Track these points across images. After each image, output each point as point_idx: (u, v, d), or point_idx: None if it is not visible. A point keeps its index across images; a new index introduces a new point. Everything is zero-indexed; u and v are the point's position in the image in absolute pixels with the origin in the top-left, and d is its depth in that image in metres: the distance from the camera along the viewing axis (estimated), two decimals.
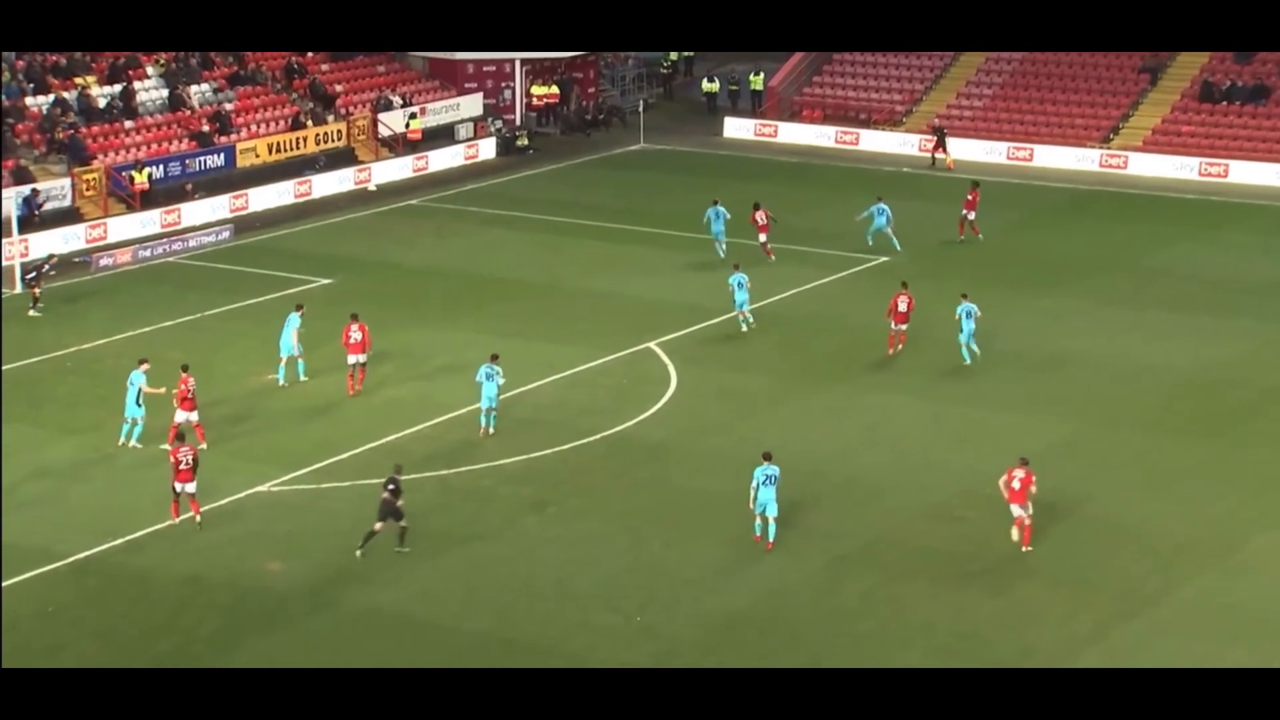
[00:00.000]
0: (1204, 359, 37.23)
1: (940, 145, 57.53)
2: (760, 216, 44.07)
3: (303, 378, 34.69)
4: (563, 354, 36.80)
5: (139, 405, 30.86)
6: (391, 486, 26.99)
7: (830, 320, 39.97)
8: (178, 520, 27.98)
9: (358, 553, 26.63)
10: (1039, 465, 30.87)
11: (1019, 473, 27.30)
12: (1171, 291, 42.73)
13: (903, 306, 36.83)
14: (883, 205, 45.41)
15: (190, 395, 30.70)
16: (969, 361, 36.15)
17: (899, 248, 44.93)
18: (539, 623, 24.84)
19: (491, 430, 32.00)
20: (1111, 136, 59.10)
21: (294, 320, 34.73)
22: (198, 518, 27.94)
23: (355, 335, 34.08)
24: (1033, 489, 27.17)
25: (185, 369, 31.24)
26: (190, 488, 27.82)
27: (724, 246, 44.08)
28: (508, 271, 44.13)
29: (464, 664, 23.44)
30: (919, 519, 28.63)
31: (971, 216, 46.59)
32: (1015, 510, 27.29)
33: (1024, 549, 27.22)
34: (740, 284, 38.19)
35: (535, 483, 29.94)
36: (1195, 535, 28.09)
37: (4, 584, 25.72)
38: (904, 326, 36.93)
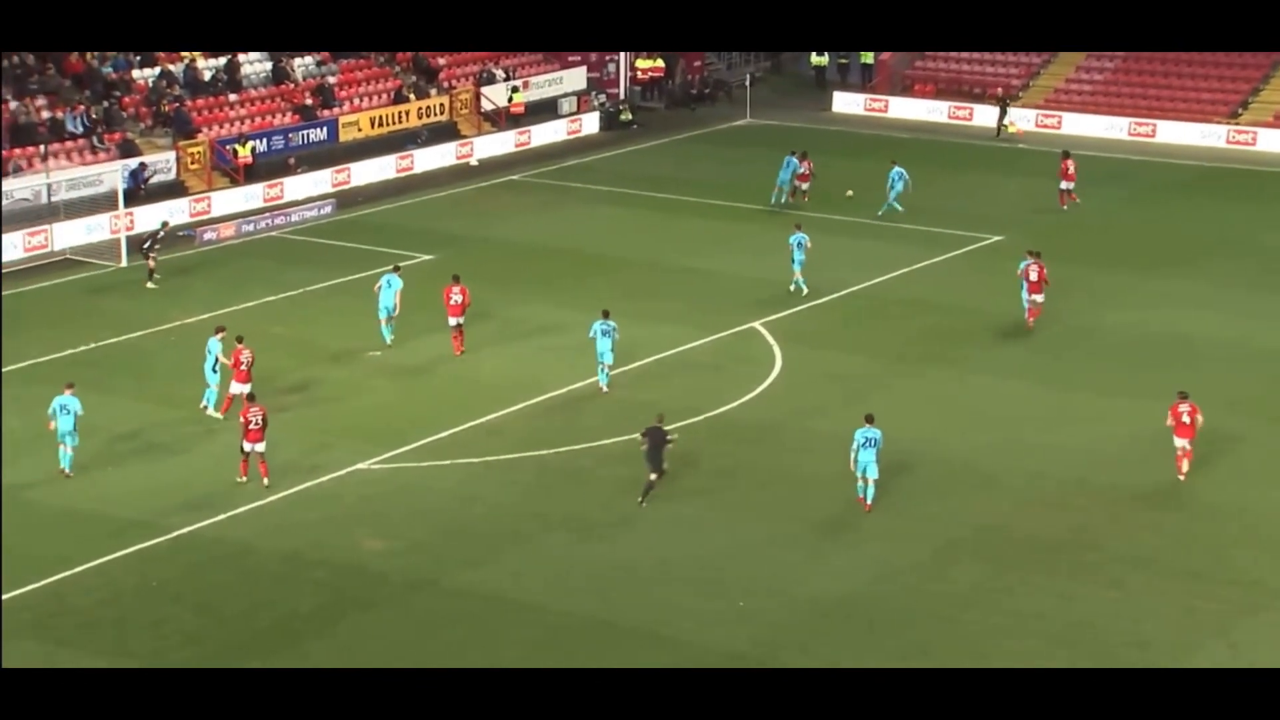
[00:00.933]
0: None
1: (1004, 114, 56.96)
2: (807, 166, 47.27)
3: (212, 413, 32.11)
4: (666, 333, 36.76)
5: (214, 372, 31.61)
6: (670, 438, 27.96)
7: (939, 301, 39.51)
8: (244, 479, 28.75)
9: (641, 503, 27.78)
10: (1154, 454, 30.38)
11: (1184, 407, 28.75)
12: None
13: (1033, 276, 36.54)
14: (900, 170, 46.19)
15: (245, 366, 30.89)
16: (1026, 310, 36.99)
17: (900, 209, 45.86)
18: (638, 606, 24.85)
19: (605, 388, 32.77)
20: (1240, 111, 57.73)
21: (396, 282, 35.55)
22: (266, 480, 28.63)
23: (456, 297, 34.92)
24: (1200, 419, 28.60)
25: (240, 340, 31.41)
26: (260, 447, 28.63)
27: (781, 194, 46.93)
28: (610, 249, 44.17)
29: (562, 646, 23.55)
30: (1029, 506, 28.23)
31: (1068, 186, 46.29)
32: (1179, 443, 28.80)
33: (1180, 477, 28.73)
34: (800, 244, 38.83)
35: (635, 464, 29.87)
36: None
37: (107, 558, 26.28)
38: (1038, 297, 36.58)
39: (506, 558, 26.42)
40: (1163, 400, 32.78)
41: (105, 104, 49.58)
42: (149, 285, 40.74)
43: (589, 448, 30.65)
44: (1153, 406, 32.46)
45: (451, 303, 34.95)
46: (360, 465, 29.89)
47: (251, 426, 28.56)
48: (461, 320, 35.07)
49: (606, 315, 32.87)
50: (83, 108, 48.72)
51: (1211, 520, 27.68)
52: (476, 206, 49.12)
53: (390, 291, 35.56)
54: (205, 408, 31.78)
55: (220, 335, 31.97)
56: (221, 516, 27.75)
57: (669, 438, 28.00)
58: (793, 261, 38.97)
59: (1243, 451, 30.56)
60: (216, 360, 31.59)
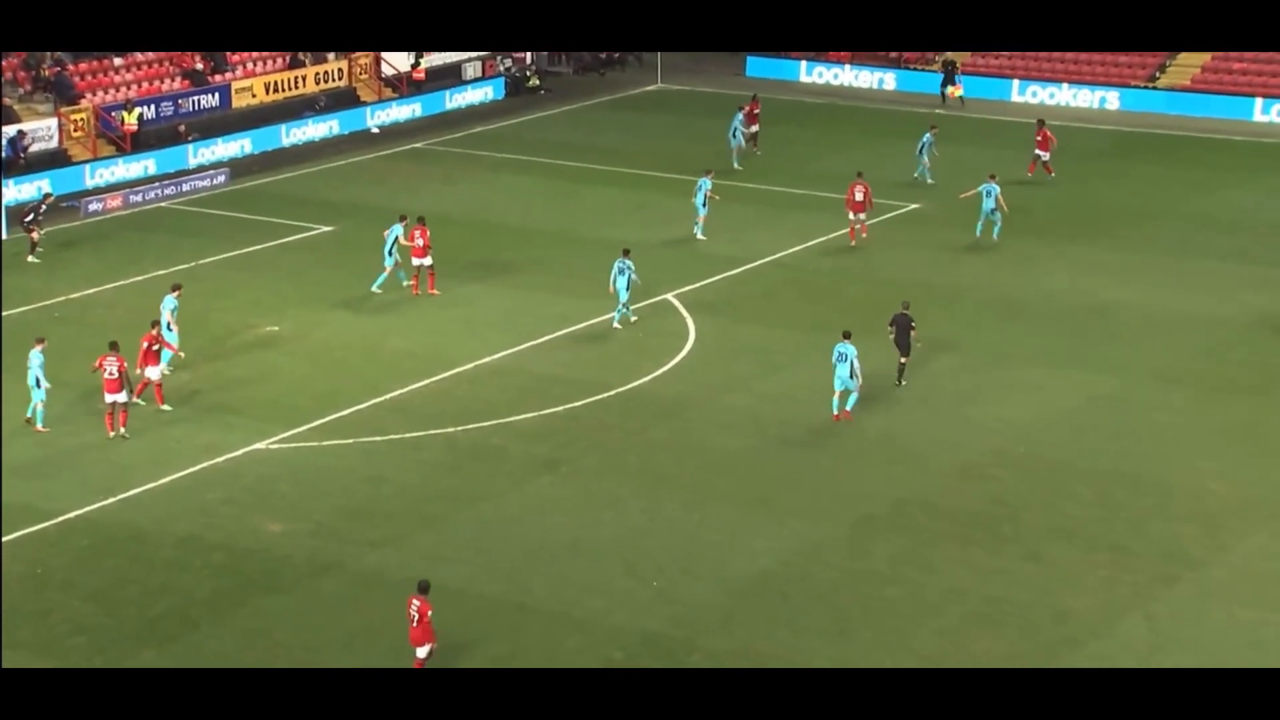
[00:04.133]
0: (1255, 310, 37.11)
1: (949, 79, 57.58)
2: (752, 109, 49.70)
3: (374, 289, 37.04)
4: (576, 306, 36.83)
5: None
6: (913, 323, 31.71)
7: (857, 270, 39.92)
8: (111, 434, 29.58)
9: (900, 383, 31.68)
10: (1080, 422, 30.96)
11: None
12: (1220, 239, 42.60)
13: (859, 196, 40.55)
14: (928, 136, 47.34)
15: (111, 376, 29.49)
16: (979, 234, 40.99)
17: (920, 174, 46.79)
18: (552, 586, 24.95)
19: (616, 324, 35.14)
20: (1158, 75, 58.73)
21: (396, 229, 37.12)
22: (124, 430, 29.62)
23: (419, 240, 36.81)
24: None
25: (114, 346, 29.95)
26: (120, 398, 29.43)
27: (735, 155, 48.00)
28: (518, 219, 44.12)
29: (474, 628, 23.62)
30: (950, 478, 28.67)
31: (1045, 156, 47.00)
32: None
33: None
34: (702, 188, 41.31)
35: (547, 441, 30.04)
36: (1244, 496, 28.09)
37: None
38: (862, 215, 40.76)
39: (415, 539, 26.41)
40: (1087, 370, 33.50)
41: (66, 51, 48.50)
42: (31, 259, 40.12)
43: (499, 424, 30.67)
44: (1078, 376, 33.13)
45: (415, 244, 36.56)
46: (259, 445, 29.69)
47: (107, 375, 29.30)
48: (425, 261, 36.78)
49: (626, 254, 35.26)
50: None
51: (1131, 491, 28.27)
52: (379, 176, 48.82)
53: (390, 239, 37.05)
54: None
55: (41, 346, 30.62)
56: (112, 500, 27.47)
57: (914, 325, 31.68)
58: (695, 204, 41.37)
59: (1164, 422, 31.22)
60: (38, 376, 30.17)
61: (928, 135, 47.02)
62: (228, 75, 53.14)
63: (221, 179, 47.58)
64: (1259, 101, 55.91)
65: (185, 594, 24.61)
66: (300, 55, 55.20)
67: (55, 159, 47.47)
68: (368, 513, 27.27)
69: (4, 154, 44.44)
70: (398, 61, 57.20)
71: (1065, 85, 58.25)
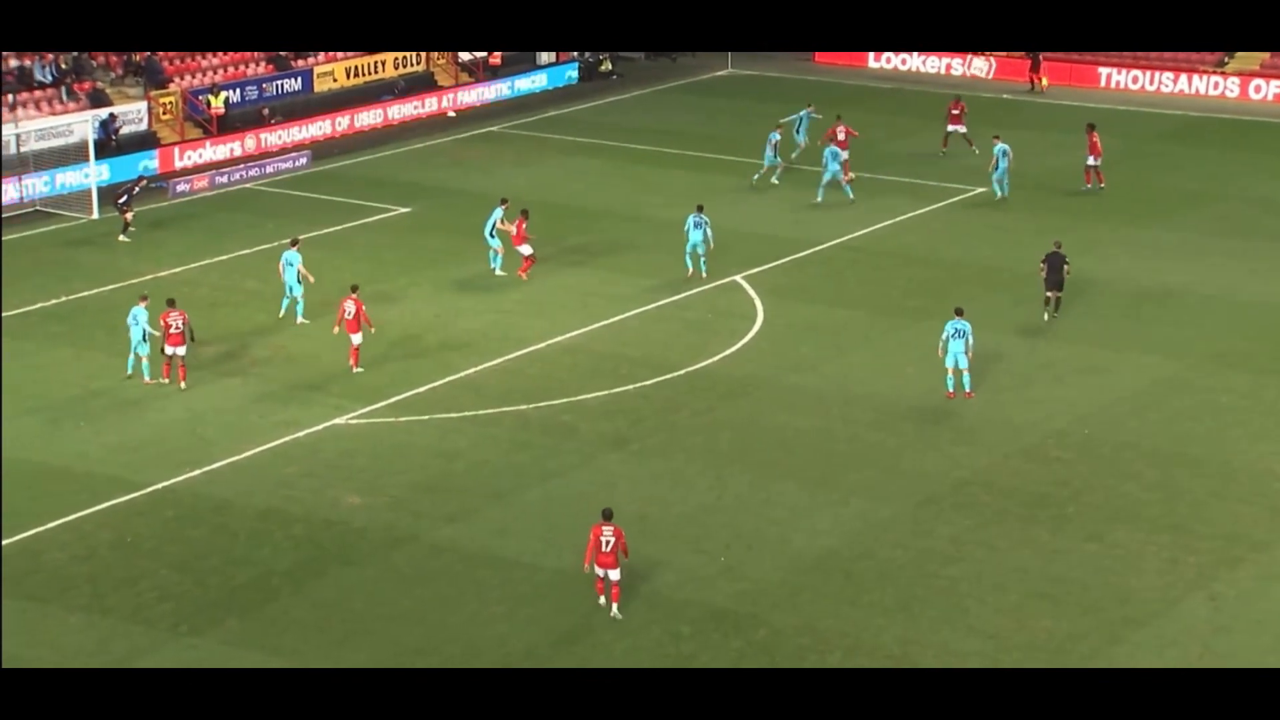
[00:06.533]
0: None
1: (1035, 68, 56.72)
2: (841, 132, 44.14)
3: (497, 271, 37.40)
4: (646, 287, 36.79)
5: (145, 342, 30.86)
6: (1066, 259, 33.09)
7: (923, 253, 39.58)
8: (166, 380, 30.69)
9: (1045, 318, 33.64)
10: (1142, 404, 30.58)
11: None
12: None
13: (841, 135, 43.36)
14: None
15: (176, 330, 30.56)
16: (999, 195, 42.31)
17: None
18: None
19: (704, 274, 36.66)
20: (1226, 60, 57.75)
21: (497, 212, 37.51)
22: (183, 384, 30.61)
23: (512, 229, 37.12)
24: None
25: (172, 303, 31.17)
26: (180, 351, 30.56)
27: (801, 142, 47.20)
28: (589, 201, 44.10)
29: (544, 601, 23.69)
30: (1013, 459, 28.40)
31: (1096, 163, 43.98)
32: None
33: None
34: (771, 140, 44.26)
35: (616, 419, 30.05)
36: None
37: (82, 513, 26.33)
38: (844, 154, 42.74)
39: (487, 513, 26.51)
40: (1150, 352, 33.06)
41: (75, 52, 49.16)
42: (122, 238, 40.60)
43: (569, 402, 30.71)
44: (1141, 358, 32.73)
45: (511, 230, 37.01)
46: (338, 420, 29.90)
47: (172, 330, 30.22)
48: (522, 249, 36.87)
49: (700, 209, 36.80)
50: (51, 56, 48.32)
51: (1193, 473, 27.89)
52: (454, 158, 48.96)
53: (490, 220, 37.39)
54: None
55: (144, 303, 31.28)
56: (198, 472, 27.77)
57: (1067, 262, 33.09)
58: (765, 157, 44.05)
59: (1227, 404, 30.76)
60: (144, 332, 30.96)
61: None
62: (310, 60, 53.46)
63: (303, 161, 47.90)
64: None
65: (266, 564, 24.85)
66: None
67: (145, 141, 47.98)
68: (441, 487, 27.41)
69: (96, 136, 44.95)
70: None
71: (1129, 68, 57.36)
